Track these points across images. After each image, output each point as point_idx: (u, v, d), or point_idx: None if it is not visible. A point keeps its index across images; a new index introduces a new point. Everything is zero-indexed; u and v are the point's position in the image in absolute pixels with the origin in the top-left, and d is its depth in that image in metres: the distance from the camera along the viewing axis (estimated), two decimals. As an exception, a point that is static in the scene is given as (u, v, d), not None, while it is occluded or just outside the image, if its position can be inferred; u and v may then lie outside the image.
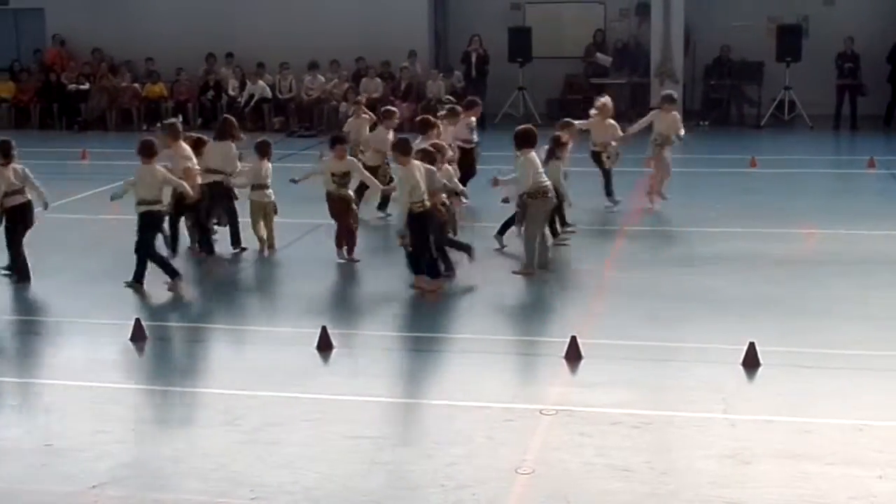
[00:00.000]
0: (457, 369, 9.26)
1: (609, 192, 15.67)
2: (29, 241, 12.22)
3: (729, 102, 25.77)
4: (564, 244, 13.39)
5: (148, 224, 11.68)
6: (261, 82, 25.83)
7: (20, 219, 12.05)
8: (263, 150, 13.35)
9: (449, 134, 15.11)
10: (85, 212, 15.93)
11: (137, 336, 9.91)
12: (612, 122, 15.98)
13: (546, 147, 13.26)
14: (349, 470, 7.16)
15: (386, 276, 12.25)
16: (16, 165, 12.09)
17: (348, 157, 13.31)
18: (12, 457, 7.42)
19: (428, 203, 11.37)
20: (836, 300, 11.03)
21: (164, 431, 7.97)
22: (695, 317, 10.57)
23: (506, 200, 13.04)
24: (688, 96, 26.09)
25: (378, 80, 25.74)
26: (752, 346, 9.10)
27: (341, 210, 12.84)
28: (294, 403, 8.42)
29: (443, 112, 15.79)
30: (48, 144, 23.36)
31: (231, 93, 26.13)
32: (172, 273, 11.60)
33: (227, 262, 12.96)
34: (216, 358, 9.87)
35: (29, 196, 12.18)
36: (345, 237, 12.86)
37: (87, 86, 26.55)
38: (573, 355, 9.23)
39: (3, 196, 11.89)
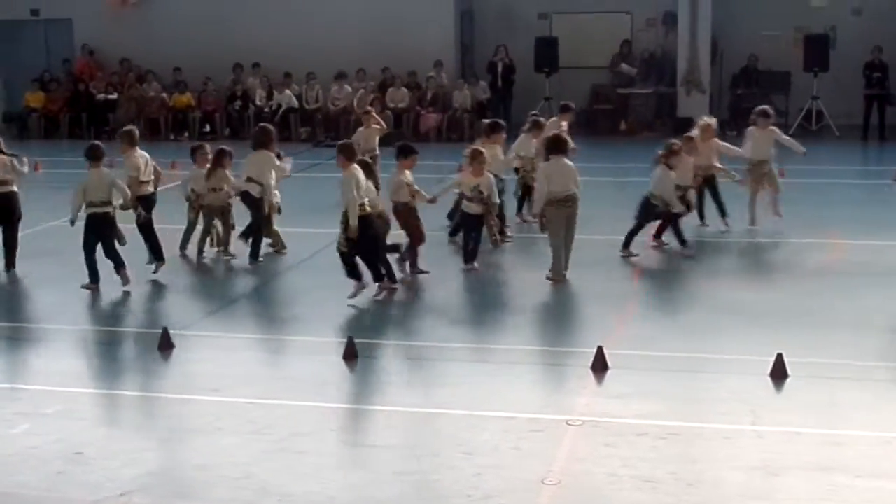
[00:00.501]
0: (483, 379, 9.25)
1: (723, 213, 14.98)
2: (55, 248, 12.28)
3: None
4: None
5: (91, 225, 11.96)
6: (287, 92, 25.94)
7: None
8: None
9: (532, 146, 14.98)
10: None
11: (165, 345, 9.95)
12: (718, 141, 15.27)
13: (659, 153, 13.22)
14: (375, 479, 7.17)
15: (412, 285, 12.25)
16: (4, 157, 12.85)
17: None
18: (42, 464, 7.46)
19: (369, 209, 11.47)
20: (864, 311, 10.96)
21: (192, 440, 7.99)
22: (722, 327, 10.52)
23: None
24: (714, 106, 26.01)
25: (404, 89, 25.80)
26: (779, 357, 9.05)
27: (414, 221, 12.53)
28: (320, 413, 8.44)
29: (526, 126, 15.59)
30: (77, 153, 23.37)
31: (258, 102, 26.24)
32: (93, 278, 11.98)
33: (251, 272, 12.98)
34: (243, 367, 9.90)
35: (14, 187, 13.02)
36: (416, 251, 12.53)
37: (115, 96, 26.72)
38: (600, 366, 9.21)
39: None
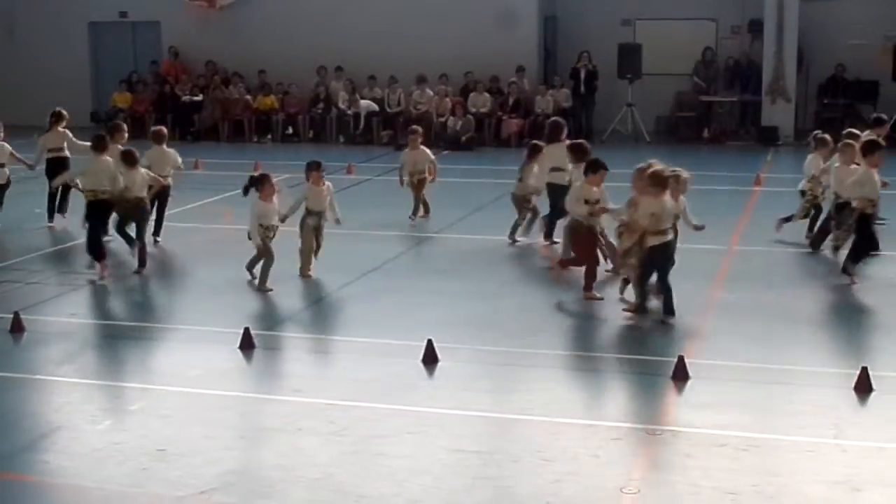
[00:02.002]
0: (563, 386, 9.23)
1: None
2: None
3: (843, 122, 25.29)
4: None
5: (94, 212, 12.97)
6: (363, 102, 26.03)
7: None
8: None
9: (820, 164, 14.40)
10: (199, 220, 16.24)
11: (246, 344, 10.07)
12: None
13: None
14: (453, 484, 7.18)
15: (492, 290, 12.26)
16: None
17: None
18: (127, 460, 7.58)
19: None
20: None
21: (272, 440, 8.07)
22: (806, 339, 10.39)
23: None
24: (800, 115, 25.70)
25: (486, 94, 25.83)
26: (864, 370, 8.91)
27: (591, 243, 11.96)
28: (399, 415, 8.47)
29: (812, 144, 14.97)
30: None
31: (341, 105, 26.43)
32: (98, 257, 12.79)
33: (333, 273, 13.06)
34: (323, 368, 9.98)
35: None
36: (593, 274, 11.83)
37: (200, 97, 27.10)
38: (681, 375, 9.13)
39: None
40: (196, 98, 27.05)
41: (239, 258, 12.65)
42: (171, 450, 7.75)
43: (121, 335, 10.81)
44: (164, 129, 15.73)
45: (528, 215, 14.55)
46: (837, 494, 6.99)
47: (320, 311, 11.86)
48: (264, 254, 12.19)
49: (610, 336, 10.70)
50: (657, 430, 8.05)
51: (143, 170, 13.39)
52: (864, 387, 8.85)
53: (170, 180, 14.86)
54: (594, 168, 12.13)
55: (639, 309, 11.04)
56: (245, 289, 12.41)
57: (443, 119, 25.31)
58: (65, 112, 16.38)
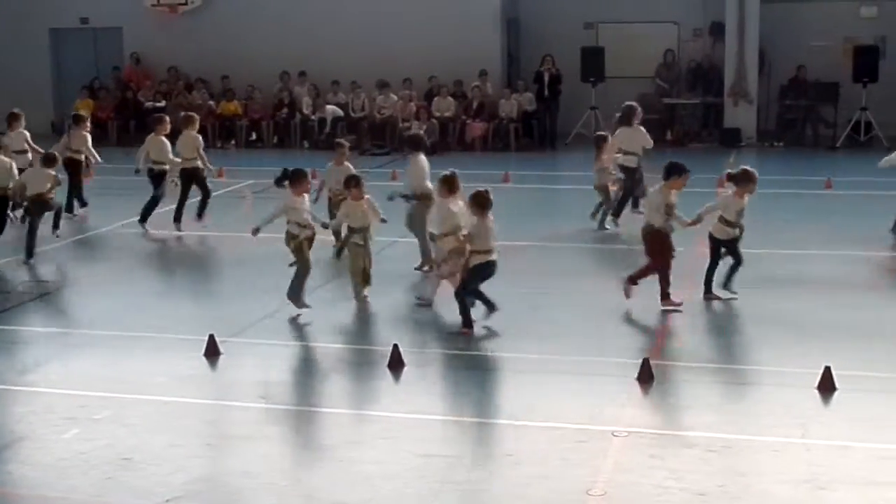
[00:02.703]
0: (529, 389, 9.24)
1: None
2: (108, 255, 12.40)
3: (804, 123, 25.50)
4: None
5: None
6: (329, 107, 26.01)
7: None
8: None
9: None
10: (163, 227, 16.15)
11: (211, 351, 10.02)
12: None
13: None
14: (423, 489, 7.18)
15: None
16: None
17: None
18: (92, 469, 7.53)
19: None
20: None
21: (240, 447, 8.04)
22: (770, 340, 10.46)
23: None
24: (762, 117, 25.89)
25: (450, 98, 25.85)
26: (828, 370, 8.98)
27: (668, 250, 11.61)
28: (367, 421, 8.47)
29: None
30: (126, 161, 23.61)
31: (305, 111, 26.39)
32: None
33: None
34: (289, 375, 9.94)
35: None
36: (668, 281, 11.49)
37: (163, 103, 26.95)
38: (646, 377, 9.18)
39: None
40: (159, 104, 26.89)
41: (204, 264, 12.61)
42: (137, 458, 7.70)
43: (84, 343, 10.73)
44: (195, 115, 17.01)
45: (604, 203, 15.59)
46: (802, 493, 7.04)
47: (285, 317, 11.82)
48: (302, 261, 11.49)
49: (575, 338, 10.72)
50: (623, 432, 8.09)
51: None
52: (827, 386, 8.92)
53: (198, 163, 15.80)
54: (677, 172, 11.63)
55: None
56: (209, 295, 12.35)
57: (407, 124, 25.30)
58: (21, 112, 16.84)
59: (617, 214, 15.61)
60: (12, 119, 16.58)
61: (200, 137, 16.30)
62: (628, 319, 11.29)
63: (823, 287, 12.30)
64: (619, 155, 15.74)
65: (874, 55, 24.59)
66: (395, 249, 13.94)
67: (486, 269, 10.86)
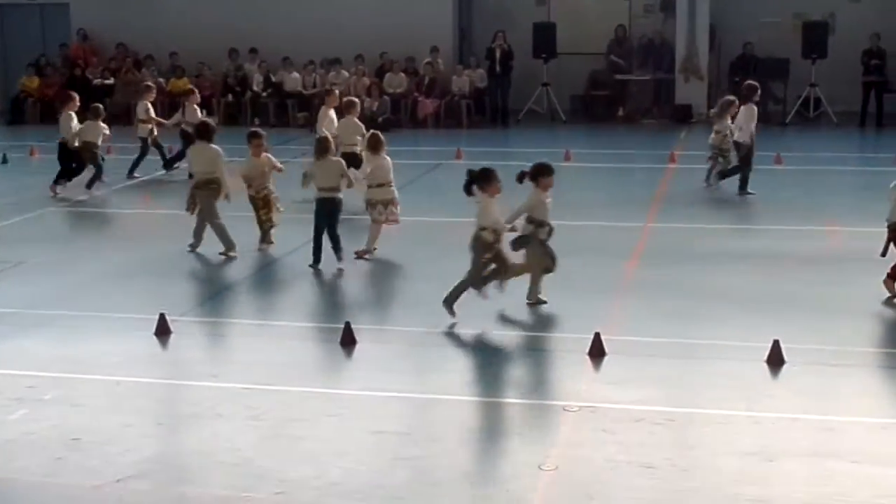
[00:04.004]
0: (481, 365, 9.27)
1: None
2: (54, 234, 12.29)
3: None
4: None
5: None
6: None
7: None
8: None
9: None
10: (109, 206, 16.01)
11: (162, 330, 9.96)
12: None
13: None
14: (374, 465, 7.19)
15: (413, 270, 12.28)
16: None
17: None
18: (41, 449, 7.47)
19: None
20: (861, 298, 10.98)
21: (190, 426, 8.01)
22: (719, 314, 10.54)
23: None
24: (713, 93, 26.01)
25: (402, 75, 25.78)
26: (776, 343, 9.07)
27: None
28: (318, 399, 8.46)
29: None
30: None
31: (255, 88, 26.21)
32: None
33: (247, 258, 12.96)
34: (241, 353, 9.91)
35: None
36: None
37: (111, 80, 26.68)
38: (597, 352, 9.23)
39: None
40: (107, 81, 26.63)
41: (153, 242, 12.50)
42: (87, 438, 7.65)
43: (33, 323, 10.62)
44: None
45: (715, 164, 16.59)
46: (750, 465, 7.12)
47: (237, 295, 11.77)
48: (502, 263, 10.63)
49: (527, 314, 10.76)
50: (574, 407, 8.13)
51: None
52: (775, 359, 9.02)
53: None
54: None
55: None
56: (160, 274, 12.26)
57: (358, 100, 25.17)
58: None
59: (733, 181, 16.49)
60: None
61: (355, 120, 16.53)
62: (581, 295, 11.34)
63: (772, 261, 12.41)
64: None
65: (823, 31, 24.77)
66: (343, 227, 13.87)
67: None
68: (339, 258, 12.15)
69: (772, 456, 7.26)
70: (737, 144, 16.52)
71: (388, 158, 12.82)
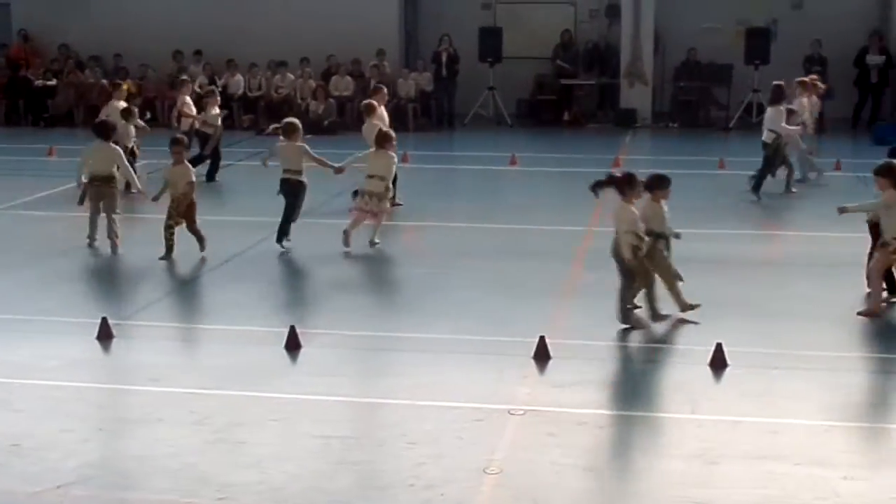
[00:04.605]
0: (426, 369, 9.25)
1: None
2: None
3: (698, 104, 25.88)
4: None
5: None
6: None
7: None
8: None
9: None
10: (52, 209, 15.82)
11: (104, 334, 9.85)
12: None
13: None
14: (317, 470, 7.15)
15: (356, 274, 12.24)
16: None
17: None
18: (-23, 456, 7.36)
19: None
20: (803, 301, 11.10)
21: (131, 431, 7.91)
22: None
23: None
24: (657, 98, 26.22)
25: (348, 78, 25.72)
26: (719, 346, 9.14)
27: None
28: (262, 403, 8.40)
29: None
30: (14, 141, 23.20)
31: (199, 90, 26.00)
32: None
33: (189, 262, 12.85)
34: (183, 357, 9.82)
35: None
36: None
37: (53, 82, 26.38)
38: (542, 355, 9.25)
39: None
40: (49, 83, 26.33)
41: (96, 246, 12.33)
42: (27, 444, 7.53)
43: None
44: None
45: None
46: (693, 468, 7.16)
47: (181, 298, 11.68)
48: (643, 274, 10.40)
49: (473, 318, 10.76)
50: (520, 410, 8.14)
51: None
52: (718, 363, 9.08)
53: None
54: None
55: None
56: (102, 277, 12.13)
57: (304, 103, 25.12)
58: None
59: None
60: None
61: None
62: (525, 298, 11.36)
63: (715, 265, 12.50)
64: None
65: (766, 37, 25.04)
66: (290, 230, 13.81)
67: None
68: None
69: (715, 458, 7.30)
70: (764, 145, 16.79)
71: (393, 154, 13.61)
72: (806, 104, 17.89)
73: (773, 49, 24.84)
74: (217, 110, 18.78)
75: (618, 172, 10.54)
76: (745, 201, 16.42)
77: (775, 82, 17.58)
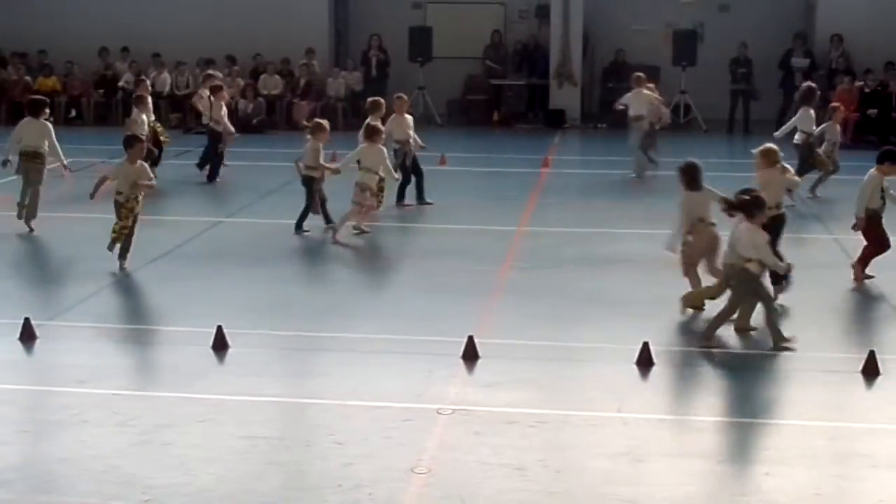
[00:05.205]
0: (354, 369, 9.23)
1: None
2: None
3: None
4: None
5: None
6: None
7: None
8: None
9: None
10: None
11: (27, 335, 9.70)
12: None
13: None
14: (245, 471, 7.11)
15: (284, 274, 12.18)
16: None
17: None
18: None
19: None
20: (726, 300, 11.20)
21: (55, 433, 7.80)
22: (590, 317, 10.68)
23: None
24: (586, 99, 26.39)
25: (277, 77, 25.58)
26: (645, 345, 9.22)
27: (878, 229, 11.88)
28: (189, 404, 8.32)
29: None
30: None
31: (125, 86, 25.72)
32: None
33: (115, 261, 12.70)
34: (109, 358, 9.69)
35: None
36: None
37: (-25, 79, 25.94)
38: (470, 355, 9.27)
39: None
40: (-29, 80, 25.89)
41: (20, 245, 12.14)
42: (-54, 447, 7.41)
43: None
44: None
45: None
46: (620, 466, 7.22)
47: (106, 298, 11.52)
48: (766, 298, 10.01)
49: (402, 318, 10.75)
50: (448, 410, 8.15)
51: None
52: (645, 361, 9.16)
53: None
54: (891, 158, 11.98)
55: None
56: (25, 277, 11.94)
57: (233, 101, 24.92)
58: None
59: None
60: None
61: None
62: (455, 298, 11.37)
63: (640, 265, 12.60)
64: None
65: (693, 40, 25.32)
66: (220, 229, 13.74)
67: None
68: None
69: (641, 456, 7.37)
70: (796, 146, 16.80)
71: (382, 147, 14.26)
72: (838, 130, 17.60)
73: (699, 51, 25.12)
74: (224, 105, 18.54)
75: (745, 195, 10.04)
76: (672, 201, 16.54)
77: (807, 83, 17.64)
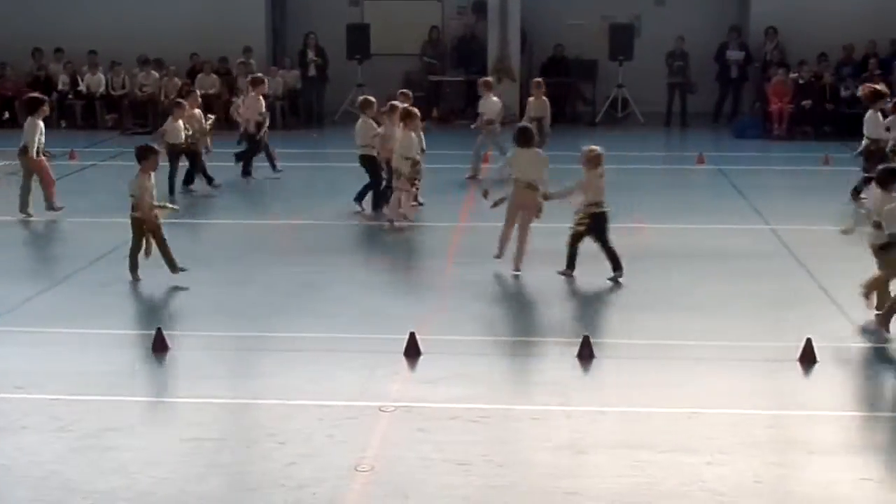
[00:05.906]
0: (297, 369, 9.19)
1: None
2: None
3: (565, 100, 26.16)
4: None
5: None
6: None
7: None
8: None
9: None
10: None
11: (-37, 341, 9.57)
12: None
13: None
14: (187, 473, 7.06)
15: (230, 275, 12.11)
16: None
17: None
18: None
19: None
20: (667, 293, 11.33)
21: (-8, 439, 7.71)
22: (531, 312, 10.74)
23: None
24: (525, 94, 26.43)
25: (214, 76, 25.38)
26: (586, 338, 9.28)
27: None
28: (129, 407, 8.26)
29: None
30: None
31: (61, 88, 25.41)
32: None
33: (56, 264, 12.58)
34: (48, 362, 9.57)
35: None
36: None
37: None
38: (412, 352, 9.28)
39: None
40: None
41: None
42: None
43: None
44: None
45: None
46: (563, 458, 7.27)
47: (44, 302, 11.37)
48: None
49: (345, 316, 10.72)
50: (390, 407, 8.15)
51: None
52: (586, 354, 9.22)
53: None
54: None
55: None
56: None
57: (168, 101, 24.69)
58: None
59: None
60: None
61: None
62: (397, 295, 11.37)
63: (581, 259, 12.65)
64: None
65: (629, 33, 25.43)
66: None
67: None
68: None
69: (584, 449, 7.43)
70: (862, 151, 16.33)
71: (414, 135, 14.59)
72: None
73: (636, 45, 25.26)
74: (263, 105, 18.32)
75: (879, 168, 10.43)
76: (612, 194, 16.68)
77: (869, 85, 17.22)
